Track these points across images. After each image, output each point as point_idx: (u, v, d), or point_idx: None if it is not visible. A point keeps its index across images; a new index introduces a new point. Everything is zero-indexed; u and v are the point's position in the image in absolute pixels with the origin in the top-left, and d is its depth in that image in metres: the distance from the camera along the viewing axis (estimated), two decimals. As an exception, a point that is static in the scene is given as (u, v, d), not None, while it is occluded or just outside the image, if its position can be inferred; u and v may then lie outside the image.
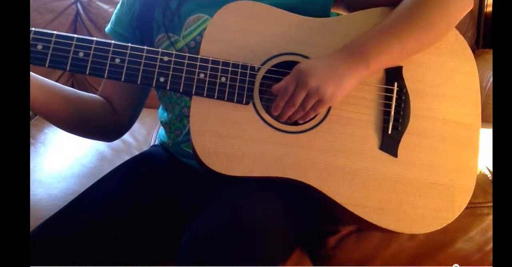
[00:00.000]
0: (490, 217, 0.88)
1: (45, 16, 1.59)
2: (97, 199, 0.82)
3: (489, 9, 1.65)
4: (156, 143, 1.03)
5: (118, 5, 0.90)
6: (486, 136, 0.79)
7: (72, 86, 1.64)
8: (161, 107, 0.95)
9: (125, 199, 0.82)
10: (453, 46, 0.80)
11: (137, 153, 1.05)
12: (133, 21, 0.87)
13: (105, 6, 1.62)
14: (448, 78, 0.79)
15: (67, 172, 1.11)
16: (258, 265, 0.63)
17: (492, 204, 0.88)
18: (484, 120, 0.80)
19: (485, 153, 0.79)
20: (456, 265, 0.82)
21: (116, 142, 1.26)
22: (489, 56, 1.42)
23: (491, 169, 0.93)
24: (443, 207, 0.75)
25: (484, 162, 0.89)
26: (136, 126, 1.34)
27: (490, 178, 0.92)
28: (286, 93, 0.70)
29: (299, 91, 0.69)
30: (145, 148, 1.21)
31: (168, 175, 0.88)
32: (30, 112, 1.44)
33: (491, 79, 1.31)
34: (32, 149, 1.20)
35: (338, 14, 0.84)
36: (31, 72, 0.76)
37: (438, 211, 0.75)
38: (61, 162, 1.16)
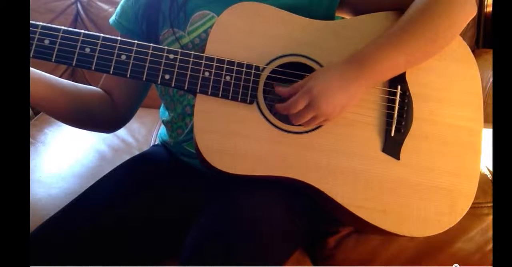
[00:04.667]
0: (490, 217, 0.88)
1: (45, 16, 1.58)
2: (98, 198, 0.82)
3: (489, 9, 1.65)
4: (156, 143, 1.03)
5: None
6: (486, 136, 0.79)
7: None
8: (162, 105, 0.95)
9: (126, 198, 0.82)
10: (456, 51, 0.80)
11: (137, 153, 1.05)
12: (138, 14, 0.87)
13: (105, 6, 1.62)
14: (451, 83, 0.80)
15: (67, 172, 1.11)
16: (260, 265, 0.63)
17: (492, 204, 0.88)
18: (484, 120, 0.80)
19: (485, 153, 0.79)
20: (456, 265, 0.82)
21: (116, 142, 1.27)
22: (489, 56, 1.42)
23: (491, 169, 0.93)
24: (445, 210, 0.75)
25: (484, 162, 0.89)
26: (136, 126, 1.35)
27: (490, 178, 0.92)
28: (295, 108, 0.70)
29: (309, 112, 0.70)
30: (145, 148, 1.21)
31: (169, 174, 0.88)
32: (30, 112, 1.45)
33: (491, 79, 1.31)
34: (32, 149, 1.19)
35: (343, 18, 0.84)
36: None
37: (440, 214, 0.75)
38: (61, 162, 1.16)
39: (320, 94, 0.70)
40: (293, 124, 0.74)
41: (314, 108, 0.70)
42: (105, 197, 0.82)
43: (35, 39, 0.69)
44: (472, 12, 0.77)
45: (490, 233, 0.87)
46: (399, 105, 0.77)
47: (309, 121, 0.72)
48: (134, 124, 1.35)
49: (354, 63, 0.72)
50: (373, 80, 0.73)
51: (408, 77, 0.78)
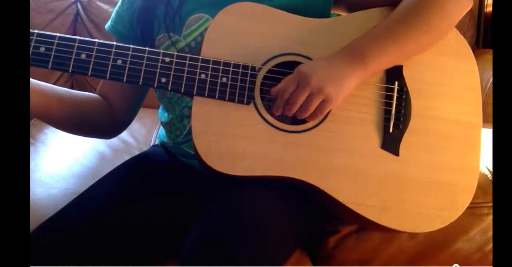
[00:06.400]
0: (490, 217, 0.88)
1: (45, 16, 1.58)
2: (98, 198, 0.82)
3: (489, 9, 1.65)
4: (156, 143, 1.03)
5: (119, 2, 0.90)
6: (486, 136, 0.79)
7: (72, 87, 1.64)
8: (161, 107, 0.95)
9: (126, 198, 0.82)
10: (454, 46, 0.80)
11: (137, 153, 1.05)
12: (133, 19, 0.87)
13: (105, 6, 1.62)
14: (449, 77, 0.79)
15: (67, 172, 1.11)
16: (260, 264, 0.63)
17: (492, 204, 0.88)
18: (484, 120, 0.80)
19: (485, 153, 0.79)
20: (456, 265, 0.82)
21: (116, 142, 1.27)
22: (489, 56, 1.42)
23: (491, 169, 0.93)
24: (445, 205, 0.75)
25: (484, 162, 0.89)
26: (136, 126, 1.35)
27: (490, 178, 0.92)
28: (286, 93, 0.70)
29: (300, 91, 0.69)
30: (145, 148, 1.21)
31: (168, 174, 0.88)
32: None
33: (491, 79, 1.31)
34: (32, 149, 1.20)
35: (338, 15, 0.84)
36: None
37: (440, 209, 0.75)
38: (61, 162, 1.16)
39: (308, 71, 0.69)
40: (291, 123, 0.74)
41: (305, 85, 0.69)
42: (105, 197, 0.82)
43: (31, 47, 0.69)
44: (468, 4, 0.77)
45: (490, 233, 0.87)
46: (397, 101, 0.77)
47: (308, 104, 0.70)
48: (134, 124, 1.34)
49: (343, 51, 0.73)
50: (363, 64, 0.72)
51: (405, 73, 0.78)
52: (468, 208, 0.76)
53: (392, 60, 0.75)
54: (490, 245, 0.87)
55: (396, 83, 0.77)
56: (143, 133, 1.35)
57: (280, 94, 0.71)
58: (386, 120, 0.76)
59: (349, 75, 0.71)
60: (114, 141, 1.27)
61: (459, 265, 0.82)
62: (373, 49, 0.72)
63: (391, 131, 0.76)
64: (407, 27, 0.74)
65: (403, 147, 0.76)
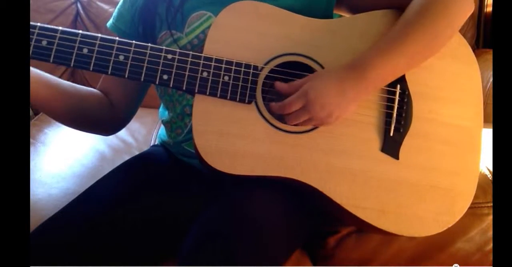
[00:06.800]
0: (490, 217, 0.88)
1: (45, 16, 1.59)
2: (98, 198, 0.82)
3: (489, 9, 1.65)
4: (156, 143, 1.03)
5: (121, 1, 0.91)
6: (486, 136, 0.79)
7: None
8: (162, 105, 0.96)
9: (126, 198, 0.82)
10: (456, 50, 0.80)
11: (137, 153, 1.05)
12: (135, 17, 0.87)
13: (105, 6, 1.62)
14: (451, 82, 0.79)
15: (67, 172, 1.11)
16: (260, 264, 0.63)
17: (492, 204, 0.88)
18: (484, 120, 0.80)
19: (485, 153, 0.79)
20: (456, 265, 0.82)
21: (116, 142, 1.27)
22: (489, 56, 1.42)
23: (491, 169, 0.93)
24: (444, 210, 0.75)
25: (484, 162, 0.89)
26: (136, 126, 1.35)
27: (490, 178, 0.92)
28: (289, 109, 0.70)
29: (304, 114, 0.70)
30: (145, 148, 1.21)
31: (168, 174, 0.88)
32: (30, 112, 1.45)
33: (491, 79, 1.31)
34: (32, 149, 1.19)
35: (340, 16, 0.84)
36: (31, 67, 0.77)
37: (439, 214, 0.75)
38: (61, 162, 1.15)
39: (316, 98, 0.70)
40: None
41: (309, 111, 0.70)
42: (105, 198, 0.82)
43: (33, 40, 0.69)
44: (471, 8, 0.77)
45: (490, 233, 0.87)
46: (398, 104, 0.77)
47: (303, 122, 0.72)
48: (134, 124, 1.35)
49: (353, 69, 0.72)
50: (373, 86, 0.73)
51: (407, 76, 0.77)
52: (468, 208, 0.76)
53: (399, 74, 0.75)
54: (490, 245, 0.87)
55: (398, 86, 0.77)
56: (143, 133, 1.35)
57: (284, 106, 0.71)
58: (387, 123, 0.76)
59: (356, 98, 0.72)
60: (114, 141, 1.27)
61: (459, 265, 0.82)
62: (383, 68, 0.72)
63: (391, 134, 0.76)
64: (415, 40, 0.73)
65: (403, 150, 0.76)
